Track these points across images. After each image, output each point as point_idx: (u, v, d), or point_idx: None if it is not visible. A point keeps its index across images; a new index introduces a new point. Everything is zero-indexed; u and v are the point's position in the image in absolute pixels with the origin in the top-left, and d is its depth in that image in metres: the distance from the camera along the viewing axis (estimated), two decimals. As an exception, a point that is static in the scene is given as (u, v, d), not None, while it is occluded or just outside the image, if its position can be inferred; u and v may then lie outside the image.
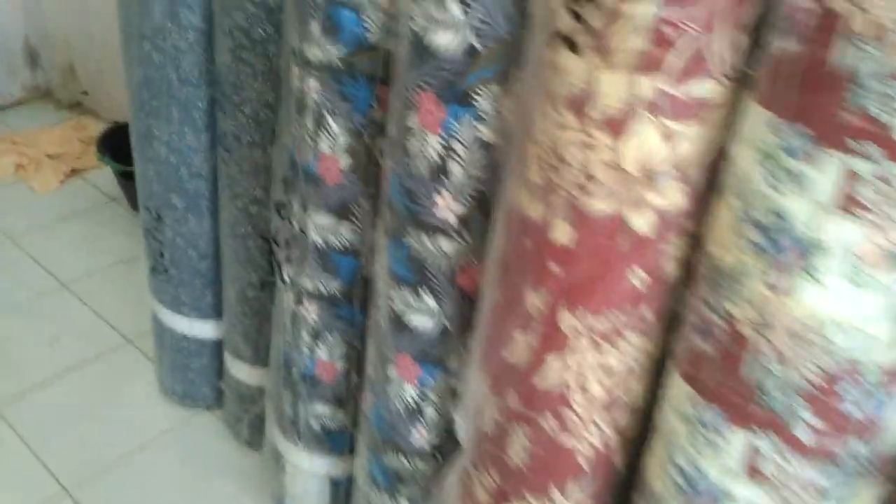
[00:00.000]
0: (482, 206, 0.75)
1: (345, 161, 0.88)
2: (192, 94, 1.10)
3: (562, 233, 0.63)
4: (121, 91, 2.43)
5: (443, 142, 0.72)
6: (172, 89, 1.09)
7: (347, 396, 1.06)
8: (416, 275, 0.80)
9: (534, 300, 0.67)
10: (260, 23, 0.95)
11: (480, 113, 0.70)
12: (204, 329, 1.35)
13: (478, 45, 0.67)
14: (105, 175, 2.15)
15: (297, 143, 0.90)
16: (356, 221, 0.92)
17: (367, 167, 0.88)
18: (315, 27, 0.81)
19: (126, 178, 1.99)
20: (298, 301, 1.00)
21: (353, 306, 0.98)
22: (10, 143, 2.33)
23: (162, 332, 1.38)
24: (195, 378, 1.41)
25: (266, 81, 0.99)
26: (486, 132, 0.71)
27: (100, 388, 1.51)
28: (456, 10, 0.66)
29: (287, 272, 1.00)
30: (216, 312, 1.33)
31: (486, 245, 0.76)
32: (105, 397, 1.49)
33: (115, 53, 2.35)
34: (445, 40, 0.67)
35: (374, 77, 0.83)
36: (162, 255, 1.27)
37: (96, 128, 2.46)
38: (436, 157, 0.73)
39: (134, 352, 1.60)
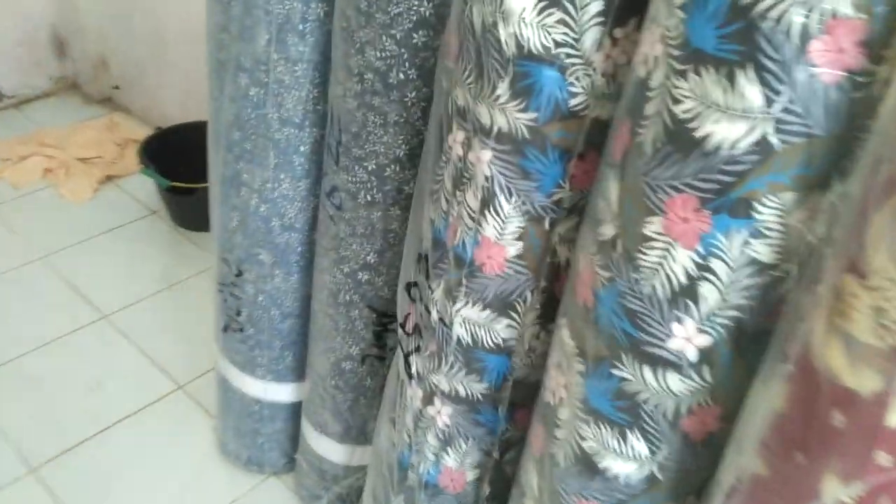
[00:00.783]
0: (736, 339, 0.56)
1: (513, 249, 0.70)
2: (294, 136, 0.92)
3: (908, 419, 0.45)
4: (160, 88, 2.24)
5: (699, 259, 0.54)
6: (271, 130, 0.91)
7: (474, 508, 0.88)
8: (625, 414, 0.62)
9: (837, 491, 0.49)
10: (400, 65, 0.76)
11: (761, 227, 0.52)
12: (280, 392, 1.17)
13: (775, 142, 0.49)
14: (142, 183, 1.96)
15: (450, 221, 0.72)
16: (517, 318, 0.74)
17: (542, 257, 0.70)
18: (502, 87, 0.62)
19: (172, 193, 1.81)
20: (428, 401, 0.82)
21: (496, 412, 0.81)
22: (37, 143, 2.14)
23: (229, 394, 1.21)
24: (265, 443, 1.24)
25: (398, 134, 0.80)
26: (763, 252, 0.52)
27: (150, 446, 1.34)
28: (755, 95, 0.47)
29: (416, 365, 0.83)
30: (295, 375, 1.16)
31: (732, 386, 0.58)
32: (156, 457, 1.32)
33: (155, 46, 2.16)
34: (732, 134, 0.49)
35: (571, 151, 0.65)
36: (239, 313, 1.09)
37: (130, 127, 2.28)
38: (682, 277, 0.55)
39: (186, 402, 1.42)
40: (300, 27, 0.84)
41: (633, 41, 0.60)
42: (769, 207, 0.51)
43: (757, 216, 0.51)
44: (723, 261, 0.53)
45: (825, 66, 0.46)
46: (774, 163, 0.49)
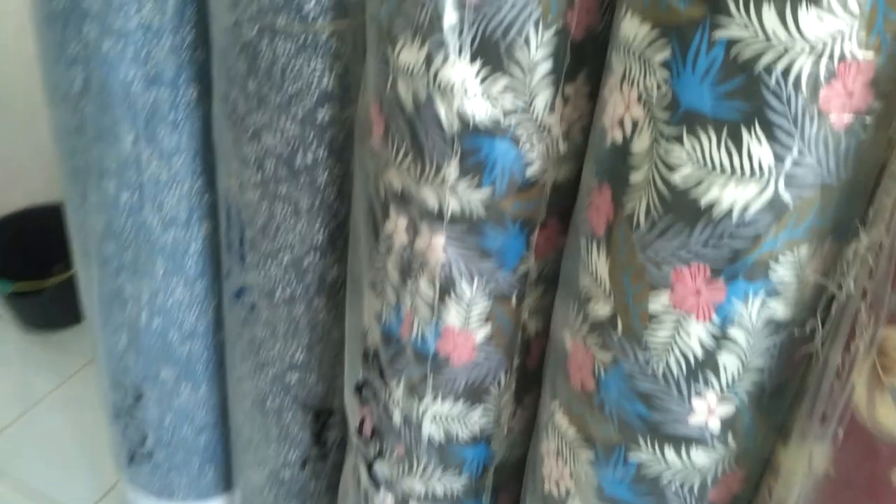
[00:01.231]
0: (757, 400, 0.52)
1: (482, 333, 0.62)
2: (182, 237, 0.79)
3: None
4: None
5: (716, 330, 0.49)
6: (153, 236, 0.78)
7: None
8: (649, 498, 0.56)
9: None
10: (306, 146, 0.66)
11: (777, 285, 0.47)
12: (206, 512, 1.03)
13: (788, 198, 0.44)
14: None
15: (402, 314, 0.64)
16: (492, 402, 0.67)
17: (513, 335, 0.63)
18: (450, 167, 0.55)
19: (16, 297, 1.58)
20: (402, 507, 0.74)
21: (479, 502, 0.73)
22: None
23: (146, 525, 1.05)
24: (196, 569, 1.09)
25: (313, 220, 0.71)
26: (781, 309, 0.48)
27: None
28: (765, 153, 0.43)
29: (382, 472, 0.73)
30: (220, 488, 1.03)
31: (755, 447, 0.54)
32: None
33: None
34: (742, 197, 0.44)
35: (532, 220, 0.58)
36: (144, 439, 0.94)
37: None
38: (698, 351, 0.50)
39: (91, 537, 1.24)
40: (171, 116, 0.72)
41: (583, 95, 0.55)
42: (784, 265, 0.47)
43: (773, 276, 0.47)
44: (741, 327, 0.49)
45: (835, 111, 0.42)
46: (789, 220, 0.45)
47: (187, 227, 0.79)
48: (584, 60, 0.53)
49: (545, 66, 0.52)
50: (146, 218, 0.76)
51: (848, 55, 0.40)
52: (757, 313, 0.48)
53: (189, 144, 0.74)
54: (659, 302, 0.49)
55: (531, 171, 0.56)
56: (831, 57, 0.40)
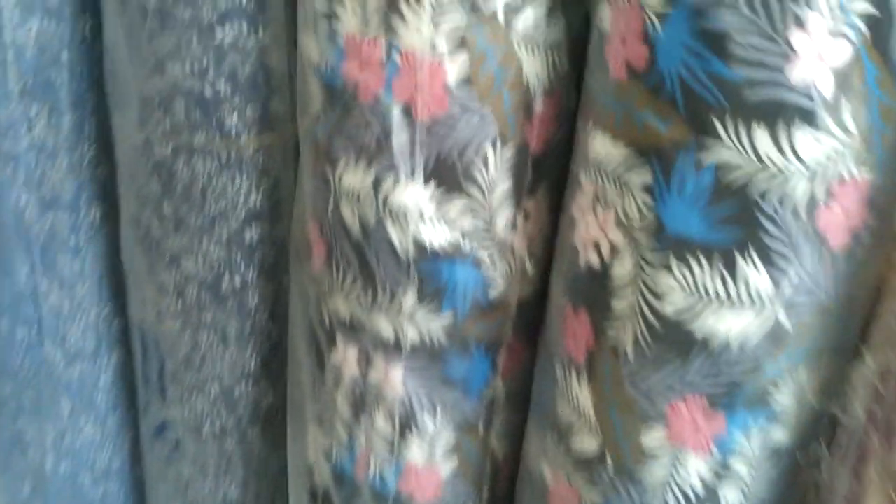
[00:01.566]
0: (760, 530, 0.48)
1: (448, 467, 0.56)
2: (89, 370, 0.70)
3: None
4: None
5: (716, 464, 0.45)
6: (56, 372, 0.68)
7: None
8: None
9: None
10: (233, 270, 0.59)
11: (779, 412, 0.44)
12: None
13: (787, 324, 0.41)
14: None
15: (356, 452, 0.57)
16: (461, 536, 0.60)
17: (481, 465, 0.58)
18: (406, 295, 0.49)
19: None
20: None
21: None
22: None
23: None
24: None
25: (244, 347, 0.63)
26: (782, 435, 0.45)
27: None
28: (761, 280, 0.39)
29: None
30: None
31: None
32: None
33: None
34: (738, 326, 0.40)
35: (497, 343, 0.53)
36: None
37: None
38: (698, 487, 0.45)
39: None
40: (72, 241, 0.63)
41: (544, 209, 0.50)
42: (784, 391, 0.43)
43: (774, 401, 0.44)
44: (743, 457, 0.45)
45: (833, 232, 0.39)
46: (788, 345, 0.42)
47: (95, 359, 0.70)
48: (543, 174, 0.49)
49: (505, 185, 0.47)
50: (47, 354, 0.67)
51: (846, 175, 0.37)
52: (758, 442, 0.44)
53: (93, 270, 0.65)
54: (653, 437, 0.45)
55: (494, 293, 0.50)
56: (829, 178, 0.37)
